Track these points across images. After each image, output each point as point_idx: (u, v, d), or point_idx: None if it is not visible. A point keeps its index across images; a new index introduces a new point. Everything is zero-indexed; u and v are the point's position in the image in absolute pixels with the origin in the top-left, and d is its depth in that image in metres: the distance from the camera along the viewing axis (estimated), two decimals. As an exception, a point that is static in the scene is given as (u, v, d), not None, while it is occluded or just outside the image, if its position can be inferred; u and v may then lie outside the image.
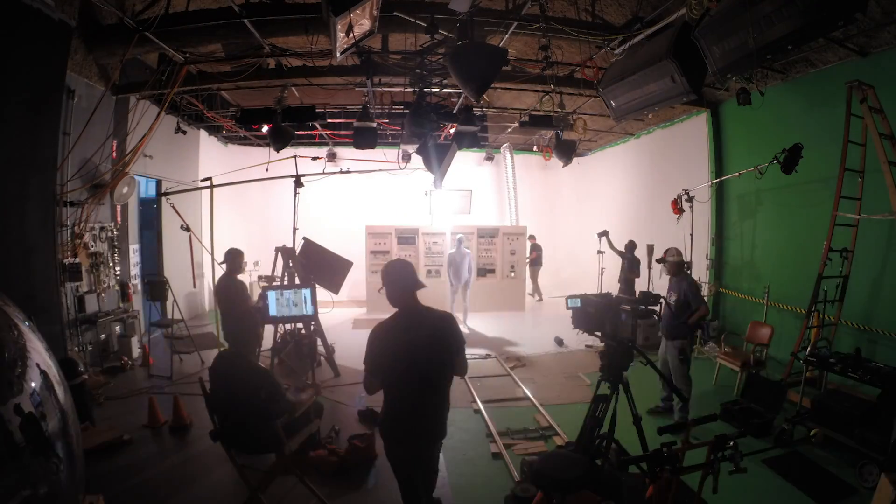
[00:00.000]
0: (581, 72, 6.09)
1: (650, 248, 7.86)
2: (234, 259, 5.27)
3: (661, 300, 6.77)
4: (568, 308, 6.28)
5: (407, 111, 5.73)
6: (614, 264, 8.72)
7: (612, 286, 10.78)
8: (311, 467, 3.63)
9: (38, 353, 1.32)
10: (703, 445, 2.30)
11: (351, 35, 4.15)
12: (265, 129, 7.18)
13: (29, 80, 3.53)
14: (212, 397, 3.11)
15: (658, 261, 5.08)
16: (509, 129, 10.17)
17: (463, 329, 8.20)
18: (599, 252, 8.20)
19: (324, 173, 7.35)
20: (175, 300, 6.56)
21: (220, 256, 5.49)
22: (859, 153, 4.74)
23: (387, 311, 2.45)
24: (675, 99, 4.44)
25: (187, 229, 6.09)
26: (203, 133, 9.30)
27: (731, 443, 2.25)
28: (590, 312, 3.44)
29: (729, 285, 7.29)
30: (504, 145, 11.58)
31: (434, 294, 9.44)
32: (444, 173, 6.16)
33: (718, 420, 3.08)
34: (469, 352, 7.05)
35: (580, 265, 11.39)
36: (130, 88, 6.18)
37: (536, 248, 11.27)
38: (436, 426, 2.49)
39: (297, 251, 6.16)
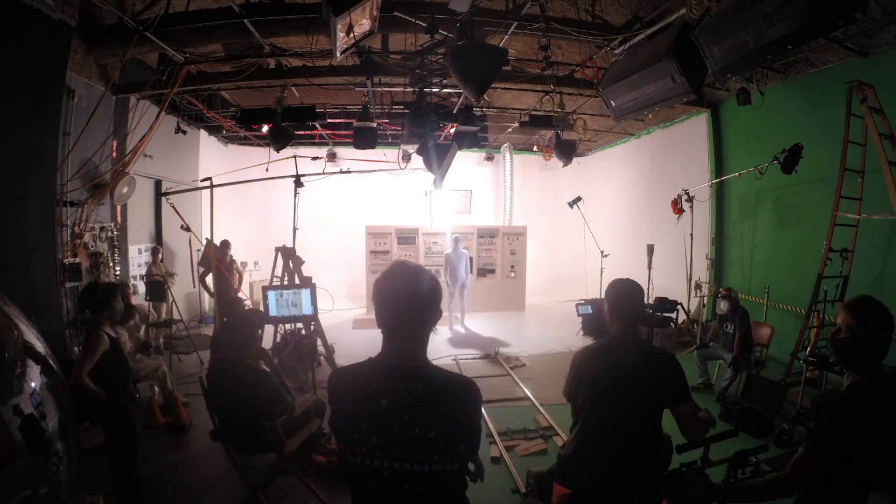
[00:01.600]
0: (581, 72, 6.09)
1: (650, 248, 7.86)
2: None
3: (678, 306, 6.76)
4: (579, 315, 6.30)
5: (407, 111, 5.73)
6: (613, 264, 8.71)
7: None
8: (312, 467, 3.63)
9: (38, 354, 1.32)
10: (723, 463, 2.15)
11: (351, 35, 4.15)
12: (265, 129, 7.18)
13: (29, 81, 3.52)
14: (210, 400, 3.11)
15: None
16: (509, 129, 10.16)
17: (460, 330, 8.25)
18: (602, 252, 8.23)
19: (324, 173, 7.35)
20: (174, 300, 6.56)
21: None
22: (859, 153, 4.74)
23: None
24: (675, 99, 4.45)
25: (187, 229, 6.10)
26: (203, 133, 9.30)
27: (753, 459, 2.06)
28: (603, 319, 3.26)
29: (729, 285, 7.29)
30: (504, 145, 11.58)
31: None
32: (444, 173, 6.16)
33: (740, 434, 2.87)
34: (469, 352, 7.06)
35: (580, 265, 11.38)
36: (130, 88, 6.18)
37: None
38: None
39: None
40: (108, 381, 2.81)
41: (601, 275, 8.27)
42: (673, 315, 6.90)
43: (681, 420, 2.00)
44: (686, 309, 7.27)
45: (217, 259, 6.78)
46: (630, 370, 2.02)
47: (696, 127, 7.86)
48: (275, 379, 3.15)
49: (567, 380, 2.26)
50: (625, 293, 2.12)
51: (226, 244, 7.24)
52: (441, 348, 7.30)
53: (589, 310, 5.91)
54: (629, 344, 2.10)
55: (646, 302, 5.91)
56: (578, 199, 8.26)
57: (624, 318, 2.11)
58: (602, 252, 8.19)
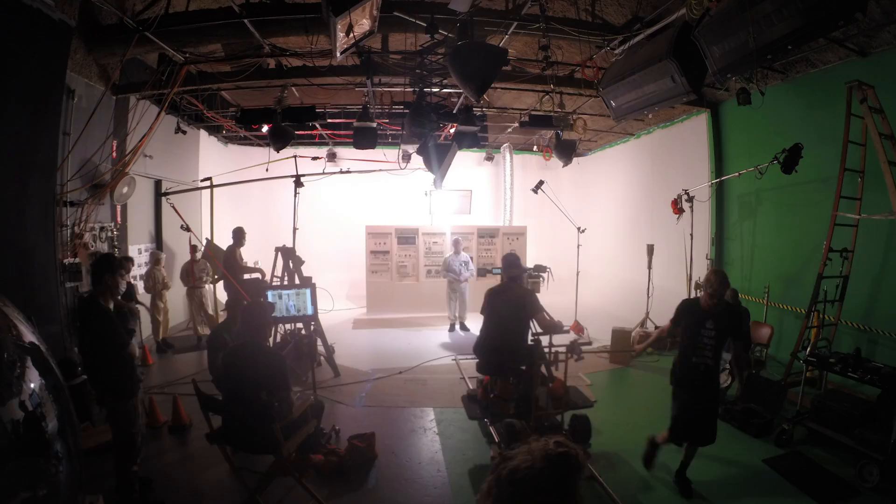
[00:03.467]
0: (581, 72, 6.09)
1: (650, 248, 7.86)
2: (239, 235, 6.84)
3: (547, 269, 7.79)
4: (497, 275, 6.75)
5: (407, 111, 5.73)
6: (613, 263, 8.67)
7: (610, 287, 10.78)
8: (311, 468, 3.63)
9: (38, 354, 1.32)
10: None
11: (351, 35, 4.15)
12: (265, 129, 7.18)
13: (29, 80, 3.52)
14: (224, 386, 3.21)
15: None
16: (509, 129, 10.16)
17: (460, 330, 8.21)
18: (579, 229, 8.30)
19: (324, 173, 7.35)
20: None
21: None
22: (859, 153, 4.74)
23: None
24: (675, 99, 4.45)
25: (187, 229, 6.09)
26: (203, 133, 9.30)
27: None
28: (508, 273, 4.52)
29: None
30: (504, 145, 11.58)
31: (434, 294, 9.45)
32: (444, 173, 6.16)
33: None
34: (469, 352, 7.04)
35: (579, 265, 11.36)
36: (130, 88, 6.18)
37: None
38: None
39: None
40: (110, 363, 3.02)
41: (578, 250, 8.28)
42: (543, 274, 8.04)
43: (539, 322, 3.98)
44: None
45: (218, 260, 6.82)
46: (512, 298, 4.07)
47: (696, 127, 7.86)
48: (286, 373, 3.20)
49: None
50: (509, 261, 4.27)
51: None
52: (441, 349, 7.30)
53: (499, 270, 6.48)
54: (511, 286, 4.20)
55: (525, 266, 7.19)
56: (541, 182, 8.31)
57: (508, 273, 4.26)
58: (579, 228, 8.22)
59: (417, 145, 6.01)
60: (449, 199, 11.53)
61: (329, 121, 8.69)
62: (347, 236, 10.67)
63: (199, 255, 7.17)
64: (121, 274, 3.21)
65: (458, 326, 8.39)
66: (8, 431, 1.12)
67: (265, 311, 3.41)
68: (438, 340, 7.77)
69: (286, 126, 6.60)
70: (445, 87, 6.13)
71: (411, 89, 5.77)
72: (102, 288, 3.08)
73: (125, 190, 6.17)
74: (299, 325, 5.79)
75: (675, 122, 8.44)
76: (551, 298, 11.02)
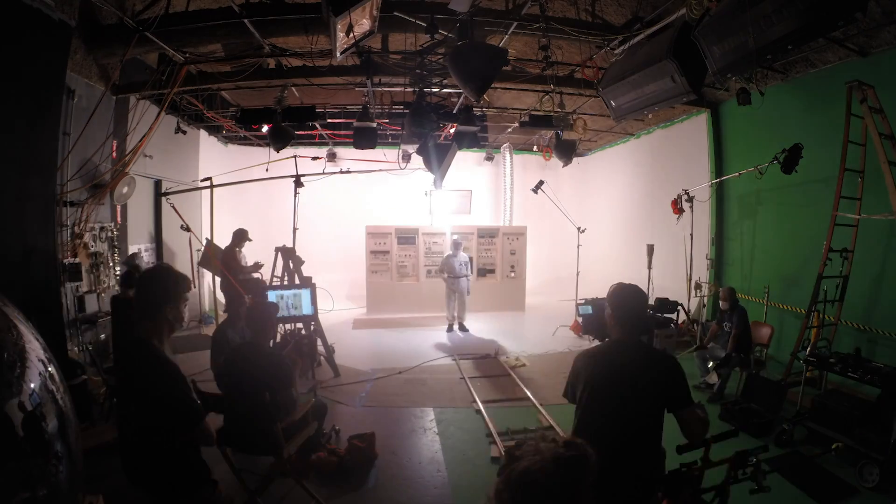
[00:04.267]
0: (581, 72, 6.09)
1: (650, 248, 7.86)
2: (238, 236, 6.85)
3: (679, 307, 6.79)
4: (579, 315, 6.14)
5: (407, 111, 5.73)
6: (613, 264, 8.67)
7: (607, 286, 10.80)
8: (311, 468, 3.63)
9: (38, 354, 1.32)
10: (724, 463, 2.15)
11: (351, 35, 4.15)
12: (265, 129, 7.18)
13: (29, 80, 3.52)
14: (224, 387, 3.15)
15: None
16: (509, 129, 10.16)
17: (458, 330, 8.21)
18: (579, 229, 8.36)
19: (324, 173, 7.35)
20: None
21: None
22: (859, 153, 4.74)
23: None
24: (675, 99, 4.45)
25: (187, 229, 6.09)
26: (203, 133, 9.30)
27: (753, 459, 2.10)
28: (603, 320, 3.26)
29: (730, 285, 7.29)
30: (504, 145, 11.58)
31: (434, 294, 9.44)
32: (444, 173, 6.17)
33: (740, 434, 2.88)
34: (469, 352, 7.05)
35: (579, 265, 11.38)
36: (130, 88, 6.18)
37: None
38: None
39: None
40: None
41: (578, 250, 8.31)
42: (673, 316, 6.94)
43: (683, 423, 2.02)
44: (686, 309, 7.28)
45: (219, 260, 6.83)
46: (630, 373, 2.02)
47: (696, 127, 7.86)
48: (289, 370, 3.19)
49: (567, 382, 2.29)
50: (628, 299, 2.13)
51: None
52: (441, 349, 7.31)
53: (589, 310, 5.96)
54: (630, 347, 2.10)
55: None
56: (541, 182, 8.36)
57: (626, 324, 2.11)
58: (579, 228, 8.26)
59: (417, 145, 6.01)
60: (449, 199, 11.54)
61: (329, 121, 8.69)
62: (347, 236, 10.68)
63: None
64: (185, 301, 2.15)
65: (456, 327, 8.38)
66: (8, 431, 1.12)
67: (269, 311, 3.42)
68: (438, 340, 7.77)
69: (286, 126, 6.60)
70: (445, 87, 6.13)
71: (411, 89, 5.77)
72: (159, 325, 2.03)
73: (125, 190, 6.17)
74: (299, 325, 5.79)
75: (675, 122, 8.44)
76: (546, 298, 11.08)
